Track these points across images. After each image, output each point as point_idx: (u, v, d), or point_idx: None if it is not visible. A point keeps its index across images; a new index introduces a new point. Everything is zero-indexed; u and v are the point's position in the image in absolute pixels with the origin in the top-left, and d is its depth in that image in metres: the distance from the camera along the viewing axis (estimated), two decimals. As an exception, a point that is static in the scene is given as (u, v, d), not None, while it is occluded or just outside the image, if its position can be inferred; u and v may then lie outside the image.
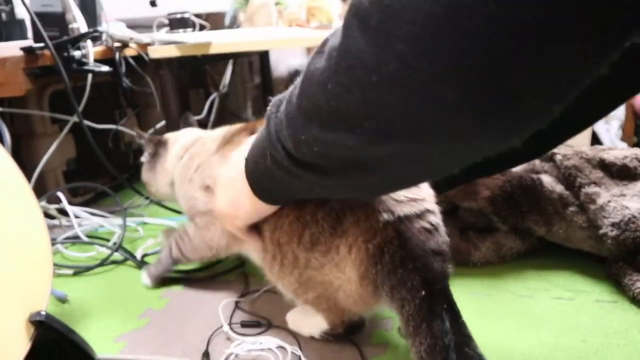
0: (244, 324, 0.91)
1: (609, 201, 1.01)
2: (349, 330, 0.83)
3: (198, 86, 2.07)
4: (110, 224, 1.35)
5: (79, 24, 1.15)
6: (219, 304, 0.96)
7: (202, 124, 1.87)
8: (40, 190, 1.44)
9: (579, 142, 1.63)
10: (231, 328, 0.90)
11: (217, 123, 2.14)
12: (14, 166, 0.82)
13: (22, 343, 0.70)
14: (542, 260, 1.08)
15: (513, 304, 0.94)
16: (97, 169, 1.50)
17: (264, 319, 0.92)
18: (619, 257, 0.98)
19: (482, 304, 0.94)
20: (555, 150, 1.16)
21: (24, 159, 1.45)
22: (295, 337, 0.87)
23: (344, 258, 0.73)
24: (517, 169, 1.23)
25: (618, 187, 1.06)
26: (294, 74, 2.14)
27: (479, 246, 1.09)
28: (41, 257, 0.78)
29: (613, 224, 0.98)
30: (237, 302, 0.98)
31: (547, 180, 1.11)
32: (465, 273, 1.05)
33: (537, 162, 1.20)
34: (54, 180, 1.50)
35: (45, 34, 1.10)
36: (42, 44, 1.13)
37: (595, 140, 1.65)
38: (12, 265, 0.73)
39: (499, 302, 0.94)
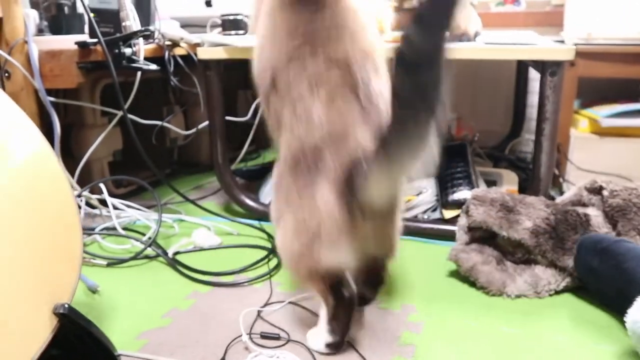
0: (263, 335, 0.90)
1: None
2: (339, 298, 0.83)
3: (247, 87, 2.08)
4: (147, 219, 1.37)
5: (132, 22, 1.17)
6: (242, 311, 0.96)
7: (248, 125, 1.88)
8: (86, 178, 1.49)
9: (637, 175, 1.54)
10: (251, 338, 0.89)
11: (262, 125, 2.16)
12: (53, 156, 0.83)
13: (44, 333, 0.71)
14: (582, 300, 1.02)
15: (547, 345, 0.88)
16: (142, 162, 1.54)
17: (284, 332, 0.91)
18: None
19: (512, 340, 0.89)
20: (603, 184, 1.09)
21: (73, 147, 1.50)
22: (312, 354, 0.85)
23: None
24: (565, 199, 1.17)
25: (670, 230, 0.98)
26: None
27: (515, 278, 1.04)
28: (71, 250, 0.80)
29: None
30: (259, 312, 0.97)
31: (595, 218, 1.05)
32: (497, 305, 1.00)
33: (584, 193, 1.14)
34: (100, 169, 1.54)
35: (97, 30, 1.13)
36: (95, 40, 1.17)
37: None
38: (42, 255, 0.75)
39: (530, 340, 0.89)
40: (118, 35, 1.18)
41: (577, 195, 1.16)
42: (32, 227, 0.75)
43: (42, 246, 0.75)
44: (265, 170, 1.71)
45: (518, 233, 1.04)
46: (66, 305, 0.74)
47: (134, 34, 1.18)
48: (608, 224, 1.05)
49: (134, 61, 1.20)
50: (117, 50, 1.17)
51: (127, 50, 1.19)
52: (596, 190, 1.13)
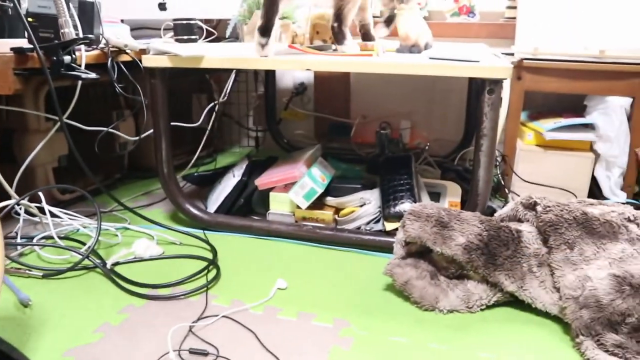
0: (192, 351, 0.90)
1: (574, 270, 0.98)
2: None
3: (202, 91, 2.07)
4: (87, 227, 1.35)
5: (70, 29, 1.15)
6: (174, 326, 0.95)
7: (201, 130, 1.87)
8: (30, 185, 1.45)
9: (578, 187, 1.59)
10: (180, 354, 0.89)
11: (218, 130, 2.15)
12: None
13: (-46, 357, 0.70)
14: (512, 316, 1.04)
15: (470, 360, 0.90)
16: (89, 167, 1.51)
17: (214, 347, 0.91)
18: (579, 332, 0.94)
19: (439, 357, 0.91)
20: (537, 200, 1.12)
21: (16, 153, 1.47)
22: (240, 372, 0.85)
23: None
24: (502, 213, 1.20)
25: (594, 247, 1.01)
26: (299, 86, 2.12)
27: (447, 293, 1.06)
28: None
29: (573, 298, 0.95)
30: (190, 327, 0.97)
31: (527, 234, 1.08)
32: (428, 319, 1.02)
33: (520, 209, 1.16)
34: (44, 175, 1.51)
35: (33, 36, 1.10)
36: (32, 46, 1.14)
37: (596, 186, 1.60)
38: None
39: (457, 358, 0.91)
40: (56, 42, 1.15)
41: (514, 210, 1.18)
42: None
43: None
44: (217, 176, 1.70)
45: (451, 249, 1.06)
46: (-21, 327, 0.73)
47: (74, 41, 1.16)
48: (539, 240, 1.08)
49: (74, 69, 1.18)
50: (55, 58, 1.14)
51: (66, 58, 1.16)
52: (531, 206, 1.16)
